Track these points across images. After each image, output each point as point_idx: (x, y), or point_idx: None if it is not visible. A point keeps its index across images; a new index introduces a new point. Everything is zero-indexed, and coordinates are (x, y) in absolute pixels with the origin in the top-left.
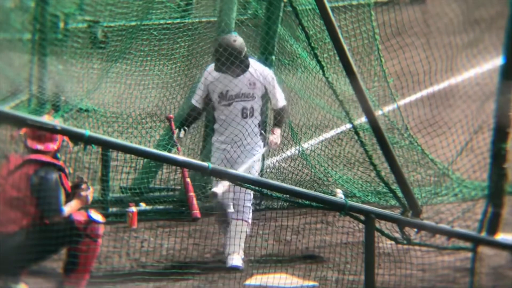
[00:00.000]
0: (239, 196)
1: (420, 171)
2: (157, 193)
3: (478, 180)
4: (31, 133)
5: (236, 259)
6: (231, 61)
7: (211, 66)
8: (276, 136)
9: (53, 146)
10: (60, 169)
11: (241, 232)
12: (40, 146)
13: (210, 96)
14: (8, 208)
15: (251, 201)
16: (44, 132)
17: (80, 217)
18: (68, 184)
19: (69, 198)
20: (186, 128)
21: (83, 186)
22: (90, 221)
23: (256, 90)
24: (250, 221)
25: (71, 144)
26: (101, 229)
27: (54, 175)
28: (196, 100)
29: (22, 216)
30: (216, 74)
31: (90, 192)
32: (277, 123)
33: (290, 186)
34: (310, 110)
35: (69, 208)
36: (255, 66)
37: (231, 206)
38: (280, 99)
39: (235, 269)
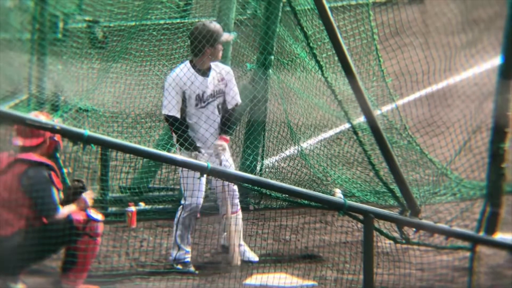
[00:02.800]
0: (224, 189)
1: (419, 170)
2: (156, 193)
3: (476, 179)
4: (18, 129)
5: (251, 252)
6: (206, 44)
7: (181, 70)
8: (224, 145)
9: (30, 142)
10: (50, 168)
11: (239, 219)
12: (20, 142)
13: (185, 103)
14: (2, 210)
15: (236, 188)
16: (26, 128)
17: (79, 216)
18: (60, 182)
19: (67, 201)
20: (198, 148)
21: (86, 194)
22: (89, 219)
23: (223, 85)
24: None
25: (61, 143)
26: (100, 228)
27: (44, 174)
28: (172, 110)
29: (17, 217)
30: (189, 76)
31: (90, 196)
32: (228, 129)
33: (289, 185)
34: (309, 109)
35: (67, 209)
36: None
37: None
38: (237, 96)
39: (249, 261)
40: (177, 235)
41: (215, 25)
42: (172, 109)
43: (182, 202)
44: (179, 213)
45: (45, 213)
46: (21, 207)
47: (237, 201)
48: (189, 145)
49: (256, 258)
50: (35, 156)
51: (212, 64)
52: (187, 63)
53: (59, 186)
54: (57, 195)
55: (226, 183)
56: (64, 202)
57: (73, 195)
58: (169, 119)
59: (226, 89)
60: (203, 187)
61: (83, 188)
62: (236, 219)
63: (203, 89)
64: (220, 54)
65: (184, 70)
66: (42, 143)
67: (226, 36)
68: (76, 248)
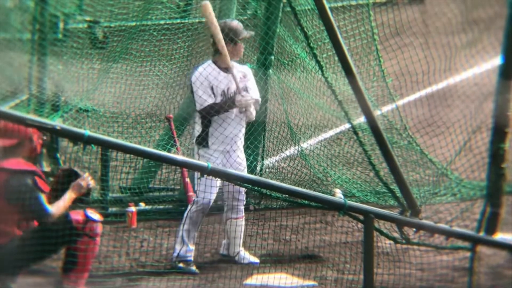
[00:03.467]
0: (234, 196)
1: (419, 171)
2: (157, 193)
3: (476, 180)
4: None
5: (250, 256)
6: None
7: (204, 69)
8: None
9: (3, 142)
10: (33, 173)
11: (242, 226)
12: None
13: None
14: None
15: (244, 195)
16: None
17: (78, 216)
18: (46, 185)
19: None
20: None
21: (82, 179)
22: (88, 220)
23: (247, 81)
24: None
25: (37, 143)
26: (99, 228)
27: (27, 182)
28: (207, 99)
29: (9, 226)
30: (215, 74)
31: (85, 179)
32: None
33: (289, 185)
34: (309, 110)
35: (57, 207)
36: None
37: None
38: (256, 91)
39: (251, 264)
40: (184, 229)
41: (237, 23)
42: (208, 98)
43: (195, 197)
44: (189, 207)
45: (37, 219)
46: (10, 216)
47: (242, 207)
48: (202, 139)
49: (257, 260)
50: (16, 163)
51: (233, 63)
52: (210, 62)
53: (45, 189)
54: (45, 199)
55: (237, 189)
56: (55, 193)
57: (62, 184)
58: (206, 108)
59: (248, 84)
60: (215, 187)
61: (75, 174)
62: (236, 225)
63: (228, 84)
64: (241, 52)
65: (208, 69)
66: (18, 145)
67: (246, 34)
68: (76, 248)
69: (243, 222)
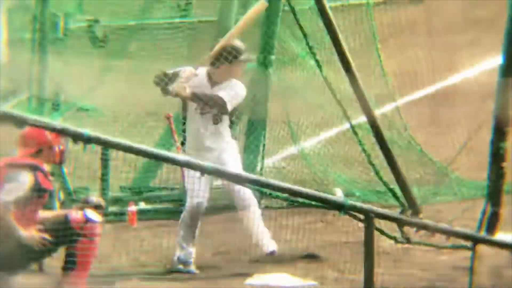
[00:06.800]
0: (235, 195)
1: (420, 170)
2: (157, 192)
3: (477, 179)
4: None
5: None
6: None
7: (197, 70)
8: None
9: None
10: (36, 168)
11: (250, 218)
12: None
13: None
14: None
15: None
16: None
17: (77, 217)
18: (48, 183)
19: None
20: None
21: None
22: (87, 220)
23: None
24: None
25: (57, 150)
26: (98, 229)
27: (21, 173)
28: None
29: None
30: (201, 78)
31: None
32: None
33: (289, 185)
34: (310, 109)
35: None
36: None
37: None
38: (227, 96)
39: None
40: (180, 235)
41: (237, 44)
42: (175, 69)
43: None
44: (183, 213)
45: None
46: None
47: (243, 202)
48: (184, 139)
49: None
50: (19, 158)
51: (227, 81)
52: (205, 68)
53: (48, 186)
54: (35, 194)
55: (236, 188)
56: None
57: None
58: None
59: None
60: (205, 187)
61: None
62: (248, 218)
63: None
64: (239, 73)
65: (198, 71)
66: (37, 152)
67: (245, 57)
68: (75, 249)
69: (251, 215)
